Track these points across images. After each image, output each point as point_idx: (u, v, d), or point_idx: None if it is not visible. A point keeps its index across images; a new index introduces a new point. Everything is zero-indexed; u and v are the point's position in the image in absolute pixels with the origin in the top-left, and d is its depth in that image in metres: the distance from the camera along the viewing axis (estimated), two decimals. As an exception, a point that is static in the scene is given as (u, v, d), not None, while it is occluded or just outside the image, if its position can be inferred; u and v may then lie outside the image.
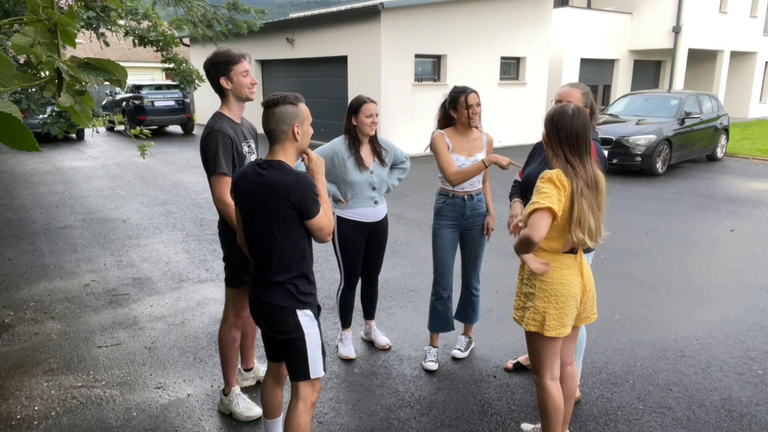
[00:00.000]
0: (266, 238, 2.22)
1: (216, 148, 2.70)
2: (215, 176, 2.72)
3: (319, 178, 2.30)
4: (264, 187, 2.17)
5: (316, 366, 2.32)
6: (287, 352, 2.33)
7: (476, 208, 3.47)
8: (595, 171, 2.33)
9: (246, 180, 2.24)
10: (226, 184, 2.72)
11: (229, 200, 2.70)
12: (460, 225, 3.48)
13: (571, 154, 2.28)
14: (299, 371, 2.32)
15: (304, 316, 2.28)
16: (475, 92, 3.35)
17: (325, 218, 2.23)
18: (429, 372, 3.49)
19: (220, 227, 2.93)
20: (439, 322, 3.61)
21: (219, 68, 2.77)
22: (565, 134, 2.28)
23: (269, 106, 2.20)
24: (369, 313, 3.86)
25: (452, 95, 3.38)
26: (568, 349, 2.63)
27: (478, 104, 3.36)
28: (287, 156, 2.23)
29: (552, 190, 2.22)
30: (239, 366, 3.38)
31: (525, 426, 2.94)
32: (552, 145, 2.33)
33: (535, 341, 2.45)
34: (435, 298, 3.58)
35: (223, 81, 2.78)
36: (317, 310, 2.37)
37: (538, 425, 2.86)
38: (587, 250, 2.80)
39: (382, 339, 3.83)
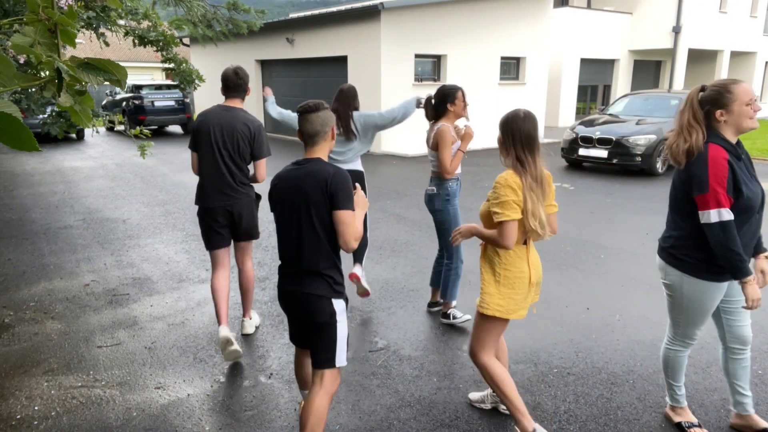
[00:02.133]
0: (305, 228, 2.36)
1: (267, 137, 3.65)
2: (266, 159, 3.65)
3: (358, 211, 2.44)
4: (304, 175, 2.35)
5: (341, 355, 2.44)
6: (318, 340, 2.42)
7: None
8: (542, 168, 2.61)
9: (286, 174, 2.41)
10: None
11: None
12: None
13: (523, 152, 2.56)
14: (326, 359, 2.42)
15: (339, 306, 2.43)
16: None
17: (354, 218, 2.35)
18: (429, 372, 3.50)
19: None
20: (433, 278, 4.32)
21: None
22: (519, 135, 2.57)
23: (312, 110, 2.40)
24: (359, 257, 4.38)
25: (449, 90, 3.82)
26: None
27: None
28: (324, 155, 2.47)
29: (511, 195, 2.51)
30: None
31: (473, 395, 3.16)
32: (506, 145, 2.62)
33: (492, 324, 2.67)
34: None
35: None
36: (346, 302, 2.50)
37: (487, 392, 3.11)
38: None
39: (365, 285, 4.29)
